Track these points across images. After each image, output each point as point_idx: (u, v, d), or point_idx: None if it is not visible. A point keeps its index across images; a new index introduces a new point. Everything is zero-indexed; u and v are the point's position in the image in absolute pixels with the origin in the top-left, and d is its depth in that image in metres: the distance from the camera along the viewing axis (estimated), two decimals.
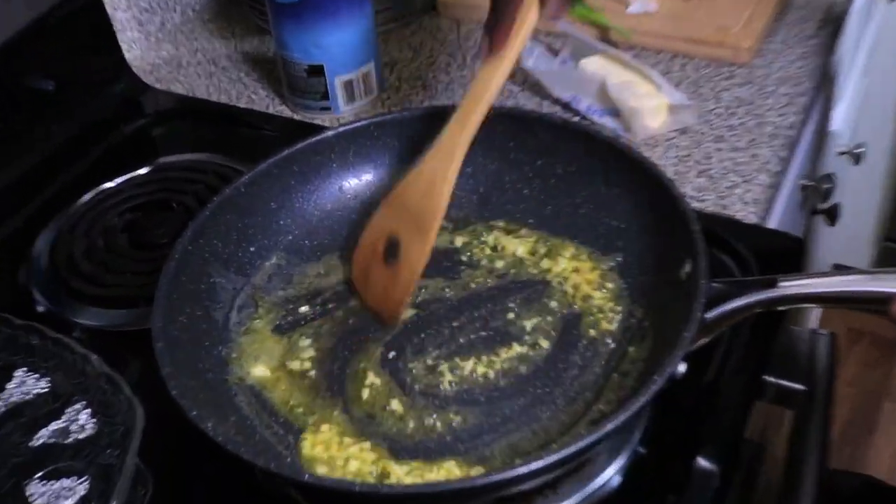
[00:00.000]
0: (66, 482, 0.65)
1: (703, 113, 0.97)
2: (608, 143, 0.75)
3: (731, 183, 0.88)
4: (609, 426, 0.54)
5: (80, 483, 0.65)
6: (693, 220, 0.66)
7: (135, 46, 1.18)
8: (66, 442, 0.67)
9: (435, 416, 0.66)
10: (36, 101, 0.99)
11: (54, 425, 0.68)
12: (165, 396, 0.61)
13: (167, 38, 1.22)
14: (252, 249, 0.78)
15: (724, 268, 0.77)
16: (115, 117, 1.05)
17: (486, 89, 0.70)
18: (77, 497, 0.64)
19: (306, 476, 0.56)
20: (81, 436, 0.67)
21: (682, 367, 0.59)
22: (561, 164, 0.78)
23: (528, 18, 0.69)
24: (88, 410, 0.69)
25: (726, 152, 0.92)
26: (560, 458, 0.54)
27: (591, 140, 0.76)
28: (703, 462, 0.64)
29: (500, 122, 0.79)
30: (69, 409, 0.69)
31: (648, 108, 0.94)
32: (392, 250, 0.73)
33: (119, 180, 0.96)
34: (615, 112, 0.96)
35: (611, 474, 0.64)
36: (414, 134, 0.81)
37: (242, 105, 1.08)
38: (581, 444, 0.54)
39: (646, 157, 0.73)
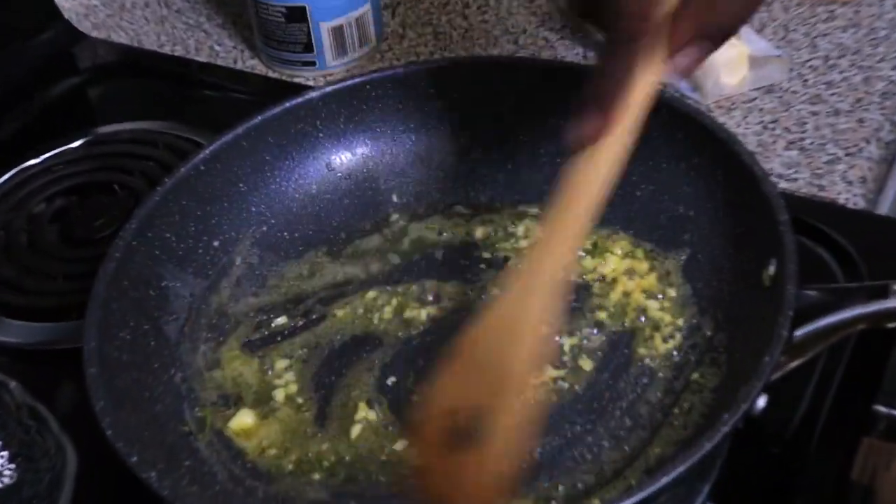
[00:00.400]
0: None
1: (795, 65, 0.96)
2: (672, 105, 0.73)
3: (830, 157, 0.87)
4: (665, 480, 0.53)
5: None
6: (779, 209, 0.64)
7: None
8: None
9: None
10: None
11: None
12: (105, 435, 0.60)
13: None
14: (215, 244, 0.77)
15: (822, 267, 0.76)
16: (40, 75, 1.05)
17: (590, 184, 0.61)
18: None
19: None
20: None
21: (761, 401, 0.58)
22: None
23: (650, 76, 0.61)
24: (6, 453, 0.69)
25: (824, 117, 0.90)
26: None
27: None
28: None
29: (531, 77, 0.78)
30: None
31: (723, 60, 0.92)
32: (462, 431, 0.59)
33: (46, 156, 0.95)
34: None
35: None
36: (422, 95, 0.81)
37: (203, 59, 1.07)
38: (629, 502, 0.53)
39: (720, 124, 0.71)
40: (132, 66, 1.07)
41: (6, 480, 0.68)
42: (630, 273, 0.73)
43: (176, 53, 1.09)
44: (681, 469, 0.53)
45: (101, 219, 0.87)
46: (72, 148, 0.96)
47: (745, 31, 0.94)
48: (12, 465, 0.69)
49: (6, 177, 0.94)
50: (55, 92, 1.04)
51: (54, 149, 0.96)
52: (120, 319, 0.69)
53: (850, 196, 0.84)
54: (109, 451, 0.59)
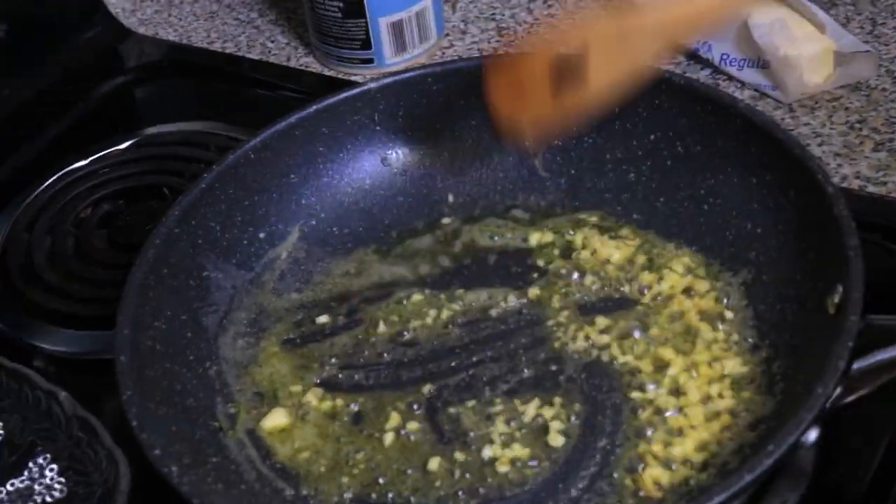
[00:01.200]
0: None
1: (884, 61, 0.95)
2: (746, 116, 0.73)
3: None
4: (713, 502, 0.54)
5: None
6: (849, 232, 0.64)
7: None
8: None
9: (483, 485, 0.66)
10: None
11: (12, 485, 0.71)
12: None
13: None
14: (261, 236, 0.79)
15: None
16: (86, 74, 1.07)
17: None
18: None
19: None
20: (48, 499, 0.70)
21: (812, 435, 0.58)
22: (681, 141, 0.77)
23: None
24: (55, 466, 0.71)
25: None
26: None
27: (725, 109, 0.75)
28: None
29: None
30: (31, 464, 0.72)
31: (807, 56, 0.91)
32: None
33: (92, 158, 0.97)
34: (761, 63, 0.94)
35: None
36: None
37: (255, 56, 1.09)
38: None
39: (795, 138, 0.71)
40: (181, 64, 1.09)
41: (56, 494, 0.70)
42: (690, 292, 0.73)
43: (227, 51, 1.10)
44: (723, 497, 0.54)
45: (150, 223, 0.85)
46: (119, 150, 0.98)
47: (831, 24, 0.93)
48: (62, 479, 0.70)
49: (51, 180, 0.95)
50: (101, 92, 1.06)
51: (101, 151, 0.97)
52: (157, 308, 0.71)
53: None
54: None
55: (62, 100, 1.04)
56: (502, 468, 0.66)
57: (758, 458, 0.55)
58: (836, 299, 0.63)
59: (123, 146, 0.98)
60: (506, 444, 0.67)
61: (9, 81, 1.02)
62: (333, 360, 0.74)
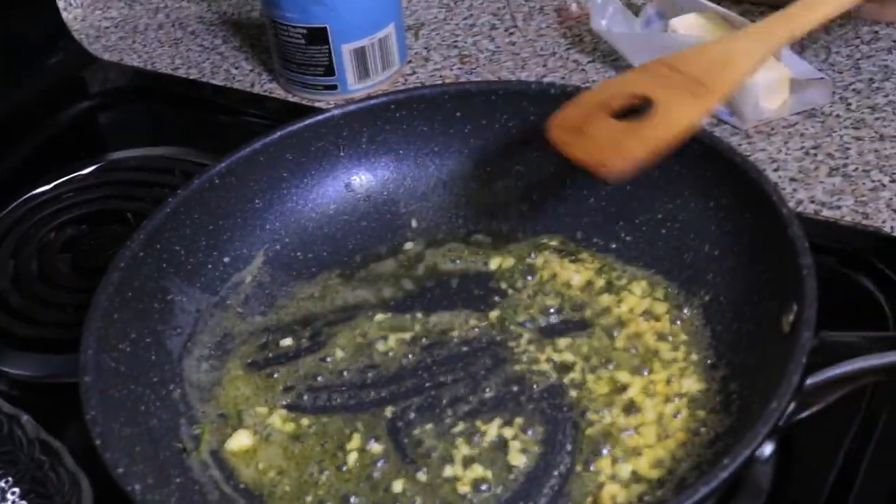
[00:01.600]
0: None
1: (838, 89, 0.97)
2: (703, 142, 0.74)
3: (874, 184, 0.87)
4: None
5: None
6: (803, 252, 0.65)
7: (75, 3, 1.20)
8: None
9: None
10: None
11: None
12: None
13: None
14: (225, 260, 0.80)
15: (867, 297, 0.77)
16: (50, 99, 1.07)
17: None
18: None
19: None
20: None
21: (767, 449, 0.59)
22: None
23: None
24: (17, 489, 0.71)
25: (868, 142, 0.91)
26: None
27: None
28: None
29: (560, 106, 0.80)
30: None
31: (763, 83, 0.93)
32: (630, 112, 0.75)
33: (55, 183, 0.97)
34: None
35: None
36: (448, 118, 0.83)
37: (219, 83, 1.09)
38: None
39: (751, 162, 0.72)
40: (145, 89, 1.10)
41: None
42: (648, 315, 0.74)
43: (191, 77, 1.11)
44: None
45: (114, 248, 0.84)
46: (82, 175, 0.98)
47: (787, 52, 0.95)
48: (24, 502, 0.71)
49: (14, 204, 0.95)
50: (65, 117, 1.06)
51: (64, 176, 0.98)
52: (121, 330, 0.71)
53: (895, 224, 0.84)
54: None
55: (25, 124, 1.05)
56: (463, 488, 0.66)
57: (713, 473, 0.56)
58: (791, 318, 0.65)
59: (87, 171, 0.98)
60: (467, 465, 0.67)
61: None
62: (297, 382, 0.74)
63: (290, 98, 1.05)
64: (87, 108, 1.08)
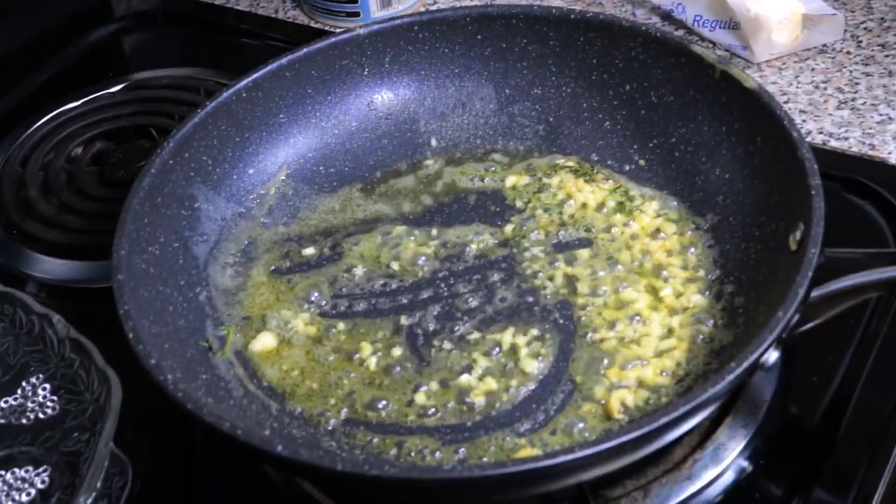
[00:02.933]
0: (21, 472, 0.70)
1: (850, 26, 0.98)
2: (717, 66, 0.76)
3: (882, 117, 0.89)
4: (664, 419, 0.56)
5: (40, 473, 0.69)
6: (813, 173, 0.67)
7: None
8: (21, 423, 0.72)
9: (464, 402, 0.68)
10: None
11: (5, 402, 0.73)
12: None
13: None
14: (250, 171, 0.81)
15: (870, 222, 0.79)
16: (77, 21, 1.09)
17: None
18: (36, 491, 0.68)
19: (279, 448, 0.58)
20: (41, 416, 0.72)
21: (773, 356, 0.61)
22: (655, 92, 0.80)
23: None
24: (48, 385, 0.73)
25: (877, 78, 0.93)
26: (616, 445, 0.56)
27: (696, 62, 0.77)
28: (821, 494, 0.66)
29: (580, 31, 0.81)
30: (24, 383, 0.74)
31: (776, 18, 0.94)
32: None
33: (84, 100, 0.99)
34: (732, 24, 0.97)
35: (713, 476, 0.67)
36: (469, 41, 0.84)
37: (243, 8, 1.10)
38: (647, 428, 0.56)
39: (760, 86, 0.74)
40: (169, 13, 1.11)
41: (49, 412, 0.72)
42: (658, 234, 0.76)
43: (216, 2, 1.11)
44: (686, 408, 0.56)
45: (140, 162, 0.89)
46: (110, 92, 0.99)
47: None
48: (55, 397, 0.73)
49: (44, 120, 0.97)
50: (92, 38, 1.08)
51: (92, 93, 0.99)
52: (151, 233, 0.73)
53: None
54: (154, 385, 0.62)
55: (55, 45, 1.06)
56: (478, 397, 0.68)
57: (720, 374, 0.58)
58: (798, 236, 0.66)
59: (114, 89, 1.00)
60: (483, 373, 0.70)
61: (2, 27, 1.04)
62: (319, 289, 0.76)
63: (313, 24, 1.06)
64: (113, 31, 1.10)
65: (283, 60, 0.82)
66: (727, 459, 0.67)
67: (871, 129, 0.88)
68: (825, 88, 0.92)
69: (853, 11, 0.99)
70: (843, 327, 0.71)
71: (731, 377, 0.58)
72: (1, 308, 0.77)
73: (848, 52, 0.95)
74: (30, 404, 0.73)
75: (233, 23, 1.09)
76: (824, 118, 0.89)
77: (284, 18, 1.08)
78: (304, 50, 0.82)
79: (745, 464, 0.68)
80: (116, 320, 0.66)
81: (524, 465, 0.55)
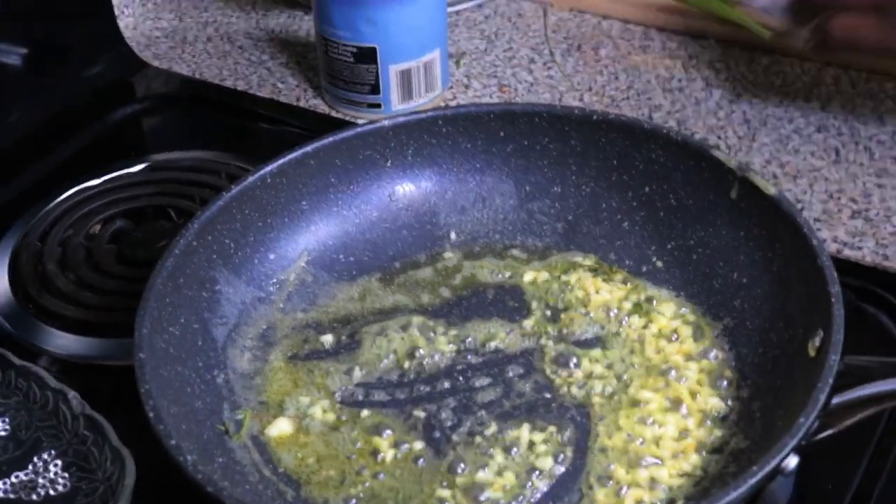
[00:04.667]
0: None
1: (862, 138, 1.00)
2: (737, 172, 0.77)
3: (895, 228, 0.90)
4: None
5: None
6: (832, 280, 0.68)
7: (128, 12, 1.22)
8: (31, 499, 0.71)
9: (480, 499, 0.68)
10: (2, 74, 1.03)
11: (16, 476, 0.73)
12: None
13: (170, 5, 1.26)
14: (271, 256, 0.82)
15: (883, 332, 0.80)
16: (100, 100, 1.10)
17: None
18: None
19: None
20: (52, 492, 0.71)
21: (793, 461, 0.61)
22: (674, 194, 0.81)
23: None
24: (60, 462, 0.73)
25: (890, 190, 0.94)
26: None
27: (717, 167, 0.78)
28: None
29: (601, 132, 0.83)
30: (36, 459, 0.73)
31: None
32: None
33: (104, 178, 0.99)
34: None
35: None
36: (491, 137, 0.85)
37: (264, 94, 1.11)
38: None
39: (781, 192, 0.75)
40: (192, 97, 1.12)
41: (60, 489, 0.71)
42: (675, 337, 0.76)
43: (238, 88, 1.12)
44: None
45: (159, 242, 0.89)
46: (131, 172, 1.00)
47: None
48: (66, 474, 0.72)
49: (64, 196, 0.97)
50: (113, 118, 1.09)
51: (113, 172, 1.00)
52: (172, 314, 0.73)
53: None
54: (169, 466, 0.62)
55: (76, 123, 1.07)
56: (496, 492, 0.68)
57: (742, 478, 0.58)
58: (817, 342, 0.67)
59: (135, 169, 1.00)
60: (500, 469, 0.69)
61: (27, 102, 1.05)
62: (336, 377, 0.76)
63: (333, 114, 1.07)
64: (135, 111, 1.11)
65: (309, 148, 0.83)
66: None
67: (884, 239, 0.89)
68: (839, 198, 0.93)
69: (865, 124, 1.01)
70: (858, 435, 0.71)
71: (752, 481, 0.58)
72: (15, 382, 0.77)
73: (861, 164, 0.97)
74: (41, 480, 0.72)
75: (254, 108, 1.10)
76: (838, 227, 0.90)
77: (306, 106, 1.09)
78: (330, 139, 0.83)
79: None
80: (130, 399, 0.66)
81: None
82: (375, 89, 1.04)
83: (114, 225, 0.94)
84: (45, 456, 0.73)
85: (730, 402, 0.72)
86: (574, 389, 0.74)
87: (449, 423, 0.72)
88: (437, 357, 0.77)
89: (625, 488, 0.67)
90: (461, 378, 0.75)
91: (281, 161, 0.82)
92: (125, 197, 0.97)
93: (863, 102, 1.04)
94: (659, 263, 0.81)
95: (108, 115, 1.09)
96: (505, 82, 1.10)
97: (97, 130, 1.07)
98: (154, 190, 0.98)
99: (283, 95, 1.11)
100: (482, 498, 0.68)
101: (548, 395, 0.74)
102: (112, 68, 1.13)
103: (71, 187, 0.98)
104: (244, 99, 1.11)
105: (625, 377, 0.74)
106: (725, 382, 0.73)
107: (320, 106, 1.09)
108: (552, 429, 0.71)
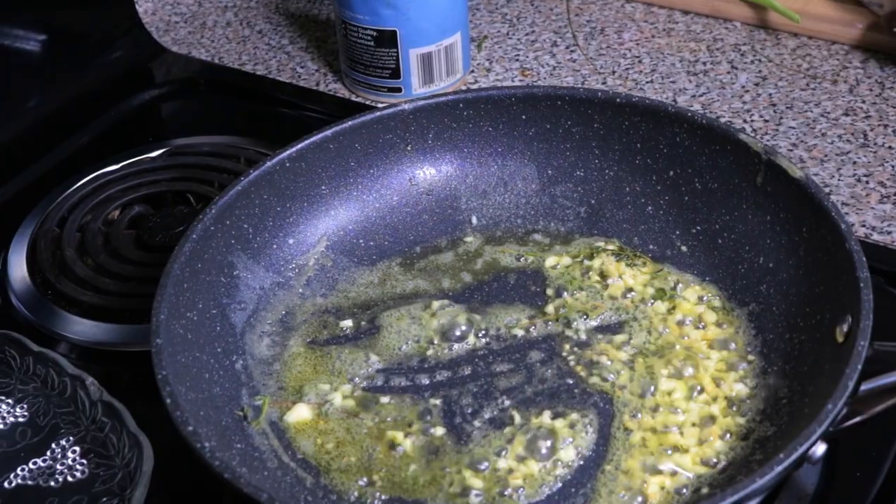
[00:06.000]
0: None
1: (891, 122, 0.98)
2: (763, 157, 0.76)
3: None
4: None
5: None
6: (861, 265, 0.66)
7: None
8: (49, 485, 0.71)
9: (501, 484, 0.67)
10: (22, 60, 1.03)
11: (34, 463, 0.72)
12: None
13: None
14: (290, 241, 0.81)
15: None
16: (119, 85, 1.10)
17: None
18: None
19: None
20: (70, 479, 0.71)
21: (820, 448, 0.60)
22: (699, 178, 0.80)
23: None
24: (78, 448, 0.73)
25: None
26: None
27: (742, 150, 0.77)
28: None
29: (625, 115, 0.82)
30: (54, 445, 0.73)
31: None
32: None
33: (123, 163, 0.99)
34: None
35: None
36: (513, 120, 0.85)
37: (284, 79, 1.11)
38: None
39: (807, 175, 0.74)
40: (211, 82, 1.12)
41: (78, 475, 0.71)
42: (700, 322, 0.75)
43: (257, 73, 1.12)
44: (731, 499, 0.55)
45: (178, 228, 0.89)
46: (150, 157, 1.00)
47: None
48: (84, 461, 0.72)
49: (83, 181, 0.97)
50: (133, 103, 1.09)
51: (132, 157, 1.00)
52: (190, 299, 0.72)
53: None
54: (187, 452, 0.62)
55: (96, 108, 1.07)
56: (516, 480, 0.67)
57: (768, 465, 0.57)
58: (845, 328, 0.66)
59: (154, 154, 1.00)
60: (522, 456, 0.68)
61: (46, 87, 1.05)
62: (356, 362, 0.75)
63: (354, 98, 1.07)
64: (154, 97, 1.10)
65: (328, 132, 0.82)
66: None
67: None
68: (867, 182, 0.92)
69: (894, 107, 0.99)
70: (886, 422, 0.70)
71: (779, 468, 0.57)
72: (34, 368, 0.77)
73: (890, 147, 0.95)
74: (59, 466, 0.72)
75: (273, 93, 1.09)
76: (866, 211, 0.89)
77: (325, 91, 1.08)
78: (349, 123, 0.82)
79: None
80: (147, 385, 0.65)
81: None
82: (396, 73, 1.03)
83: (132, 210, 0.93)
84: (63, 442, 0.73)
85: (755, 389, 0.71)
86: (596, 376, 0.73)
87: (470, 410, 0.72)
88: (457, 342, 0.76)
89: (647, 475, 0.66)
90: (482, 364, 0.75)
91: (300, 145, 0.81)
92: (144, 182, 0.96)
93: (892, 85, 1.02)
94: (683, 248, 0.80)
95: (127, 100, 1.09)
96: (527, 66, 1.09)
97: (116, 116, 1.07)
98: (173, 175, 0.97)
99: (302, 80, 1.10)
100: (503, 484, 0.67)
101: (570, 382, 0.73)
102: (131, 54, 1.12)
103: (89, 173, 0.98)
104: (264, 83, 1.10)
105: (648, 362, 0.73)
106: (751, 368, 0.72)
107: (340, 90, 1.08)
108: (574, 415, 0.70)
